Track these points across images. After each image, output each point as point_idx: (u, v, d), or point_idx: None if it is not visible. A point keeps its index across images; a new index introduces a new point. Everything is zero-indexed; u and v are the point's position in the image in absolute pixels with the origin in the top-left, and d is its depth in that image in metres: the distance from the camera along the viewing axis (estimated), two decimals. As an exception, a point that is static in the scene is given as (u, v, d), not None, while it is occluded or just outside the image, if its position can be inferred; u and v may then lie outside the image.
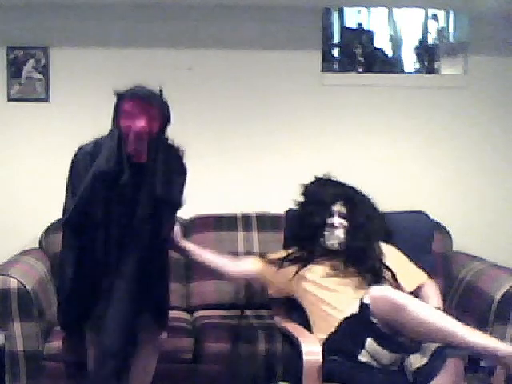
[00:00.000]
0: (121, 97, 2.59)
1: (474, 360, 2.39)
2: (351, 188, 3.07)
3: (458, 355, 2.36)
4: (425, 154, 3.82)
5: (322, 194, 3.01)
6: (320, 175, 3.12)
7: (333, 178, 3.10)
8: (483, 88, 3.81)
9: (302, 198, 3.09)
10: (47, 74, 3.67)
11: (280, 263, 2.98)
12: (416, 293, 2.89)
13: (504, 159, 3.84)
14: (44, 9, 3.62)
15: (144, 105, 2.56)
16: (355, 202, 3.01)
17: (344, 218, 2.96)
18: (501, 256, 3.45)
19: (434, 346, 2.43)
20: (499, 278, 3.06)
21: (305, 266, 2.94)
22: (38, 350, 2.96)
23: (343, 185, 3.07)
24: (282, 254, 3.05)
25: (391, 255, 2.98)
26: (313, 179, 3.12)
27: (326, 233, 2.94)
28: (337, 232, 2.94)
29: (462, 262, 3.42)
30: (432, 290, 2.95)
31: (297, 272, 2.93)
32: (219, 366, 3.01)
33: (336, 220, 2.95)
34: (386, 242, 3.04)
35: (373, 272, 2.87)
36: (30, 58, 3.66)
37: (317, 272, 2.91)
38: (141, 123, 2.53)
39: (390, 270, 2.89)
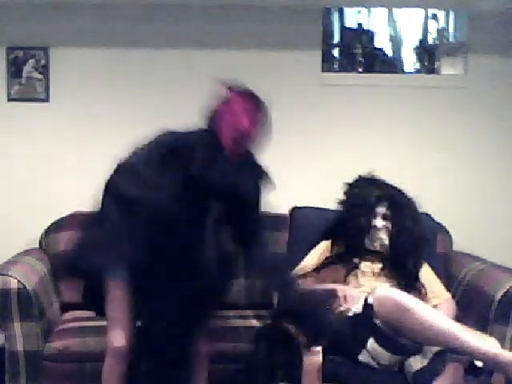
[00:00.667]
0: (234, 93, 2.55)
1: (474, 365, 2.39)
2: (396, 189, 3.02)
3: (458, 359, 2.36)
4: (424, 154, 3.81)
5: (366, 195, 2.96)
6: (364, 174, 3.07)
7: (377, 178, 3.05)
8: (483, 88, 3.81)
9: (345, 198, 3.05)
10: (47, 74, 3.67)
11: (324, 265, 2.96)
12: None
13: (504, 159, 3.83)
14: (44, 9, 3.61)
15: (257, 107, 2.52)
16: (400, 204, 2.96)
17: (387, 220, 2.93)
18: (501, 256, 3.45)
19: (434, 349, 2.43)
20: (499, 278, 3.06)
21: (347, 266, 2.91)
22: (37, 349, 2.96)
23: (388, 185, 3.02)
24: (321, 254, 3.02)
25: (424, 274, 2.97)
26: (356, 178, 3.07)
27: (369, 234, 2.91)
28: (380, 234, 2.90)
29: (462, 262, 3.42)
30: (449, 311, 2.93)
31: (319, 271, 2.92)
32: (219, 365, 3.02)
33: (379, 222, 2.91)
34: (425, 247, 3.01)
35: (409, 279, 2.85)
36: (29, 58, 3.65)
37: (354, 273, 2.89)
38: (252, 124, 2.49)
39: (421, 283, 2.89)
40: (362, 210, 2.91)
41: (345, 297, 2.67)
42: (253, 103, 2.52)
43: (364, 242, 2.91)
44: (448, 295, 2.99)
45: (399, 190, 3.02)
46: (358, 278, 2.87)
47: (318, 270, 2.94)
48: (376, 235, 2.90)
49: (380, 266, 2.90)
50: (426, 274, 2.98)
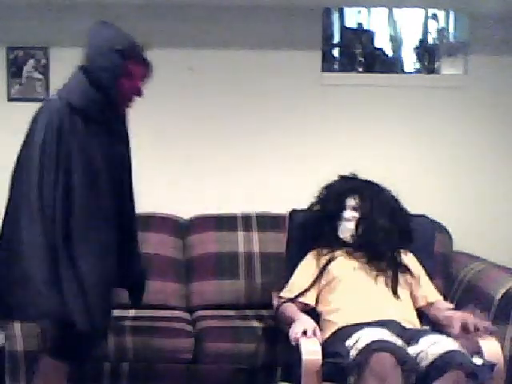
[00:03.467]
0: (126, 55, 2.50)
1: (474, 374, 2.38)
2: (370, 183, 3.07)
3: (459, 367, 2.36)
4: (424, 154, 3.82)
5: (337, 188, 3.03)
6: (344, 174, 3.12)
7: (350, 175, 3.10)
8: (483, 88, 3.81)
9: (320, 195, 3.10)
10: (47, 74, 3.67)
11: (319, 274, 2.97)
12: (426, 308, 2.90)
13: (504, 159, 3.84)
14: (44, 9, 3.62)
15: (147, 69, 2.58)
16: (370, 195, 3.01)
17: (358, 212, 2.97)
18: (501, 256, 3.45)
19: (431, 356, 2.43)
20: (499, 278, 3.06)
21: (327, 263, 2.92)
22: (38, 350, 2.96)
23: (360, 180, 3.07)
24: (310, 266, 3.02)
25: (412, 265, 2.98)
26: (337, 178, 3.13)
27: (339, 226, 2.95)
28: (348, 225, 2.94)
29: (462, 262, 3.42)
30: (446, 303, 2.96)
31: (322, 271, 2.92)
32: (219, 365, 3.02)
33: (348, 213, 2.95)
34: (410, 241, 3.03)
35: (394, 267, 2.87)
36: (29, 58, 3.66)
37: (338, 268, 2.90)
38: (142, 86, 2.57)
39: (411, 274, 2.90)
40: (333, 203, 2.98)
41: (304, 331, 2.66)
42: (143, 67, 2.57)
43: (337, 234, 2.95)
44: (439, 295, 2.99)
45: (373, 184, 3.07)
46: (340, 271, 2.88)
47: (314, 282, 2.94)
48: (345, 226, 2.94)
49: (360, 257, 2.91)
50: (414, 266, 2.98)
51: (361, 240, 2.93)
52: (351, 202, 2.98)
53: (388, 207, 3.02)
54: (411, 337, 2.56)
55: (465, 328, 2.60)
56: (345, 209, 2.97)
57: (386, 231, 2.95)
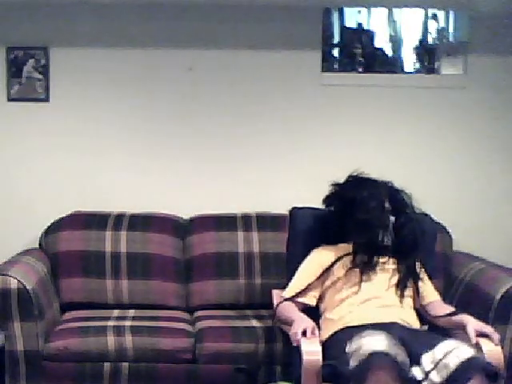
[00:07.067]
0: None
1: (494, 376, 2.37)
2: (389, 184, 3.05)
3: (484, 368, 2.34)
4: (424, 154, 3.82)
5: (376, 195, 2.96)
6: (354, 174, 3.08)
7: (368, 176, 3.06)
8: (483, 88, 3.81)
9: (343, 199, 3.03)
10: (47, 74, 3.67)
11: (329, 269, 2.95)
12: (426, 307, 2.90)
13: (504, 159, 3.83)
14: (44, 9, 3.62)
15: None
16: (399, 198, 3.00)
17: (392, 215, 2.95)
18: (501, 256, 3.45)
19: (452, 365, 2.40)
20: (499, 278, 3.05)
21: (367, 266, 2.90)
22: (38, 350, 2.96)
23: (382, 182, 3.05)
24: (318, 264, 3.00)
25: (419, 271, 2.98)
26: (345, 180, 3.07)
27: (384, 232, 2.91)
28: (391, 229, 2.92)
29: (462, 262, 3.42)
30: (445, 305, 2.96)
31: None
32: (219, 365, 3.02)
33: (391, 218, 2.94)
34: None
35: (409, 267, 2.87)
36: (29, 58, 3.66)
37: (343, 269, 2.89)
38: None
39: (416, 282, 2.91)
40: (379, 211, 2.93)
41: (304, 331, 2.64)
42: None
43: (384, 239, 2.91)
44: (438, 296, 2.99)
45: (393, 185, 3.05)
46: (373, 275, 2.87)
47: (316, 281, 2.92)
48: (389, 231, 2.92)
49: (392, 260, 2.91)
50: (420, 271, 2.99)
51: (399, 245, 2.91)
52: (388, 206, 2.95)
53: (412, 207, 3.01)
54: (422, 342, 2.53)
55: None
56: (387, 214, 2.94)
57: (420, 231, 2.95)
